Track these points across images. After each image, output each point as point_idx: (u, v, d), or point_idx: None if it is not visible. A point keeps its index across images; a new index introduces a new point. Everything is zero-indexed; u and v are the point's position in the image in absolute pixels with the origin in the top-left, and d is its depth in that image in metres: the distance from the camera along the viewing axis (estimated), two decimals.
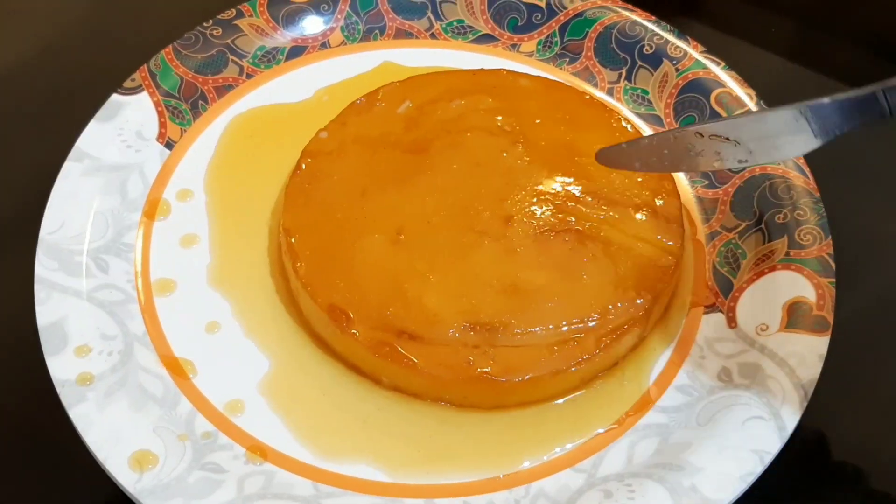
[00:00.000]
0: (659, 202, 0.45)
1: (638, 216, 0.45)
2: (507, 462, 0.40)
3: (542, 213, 0.45)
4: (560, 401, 0.42)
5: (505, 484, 0.40)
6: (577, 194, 0.45)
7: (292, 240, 0.44)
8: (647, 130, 0.52)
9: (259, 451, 0.40)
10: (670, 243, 0.44)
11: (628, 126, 0.49)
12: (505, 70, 0.52)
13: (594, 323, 0.42)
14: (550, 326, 0.41)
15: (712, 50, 0.53)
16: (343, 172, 0.46)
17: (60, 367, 0.40)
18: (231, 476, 0.38)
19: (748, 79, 0.51)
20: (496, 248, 0.43)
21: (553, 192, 0.45)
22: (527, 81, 0.51)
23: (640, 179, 0.46)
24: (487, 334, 0.41)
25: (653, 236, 0.44)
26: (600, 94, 0.53)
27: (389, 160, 0.47)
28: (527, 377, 0.40)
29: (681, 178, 0.50)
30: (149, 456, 0.38)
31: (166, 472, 0.38)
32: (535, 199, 0.45)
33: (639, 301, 0.42)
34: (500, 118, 0.49)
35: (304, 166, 0.46)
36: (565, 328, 0.41)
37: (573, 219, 0.44)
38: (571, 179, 0.46)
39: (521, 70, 0.53)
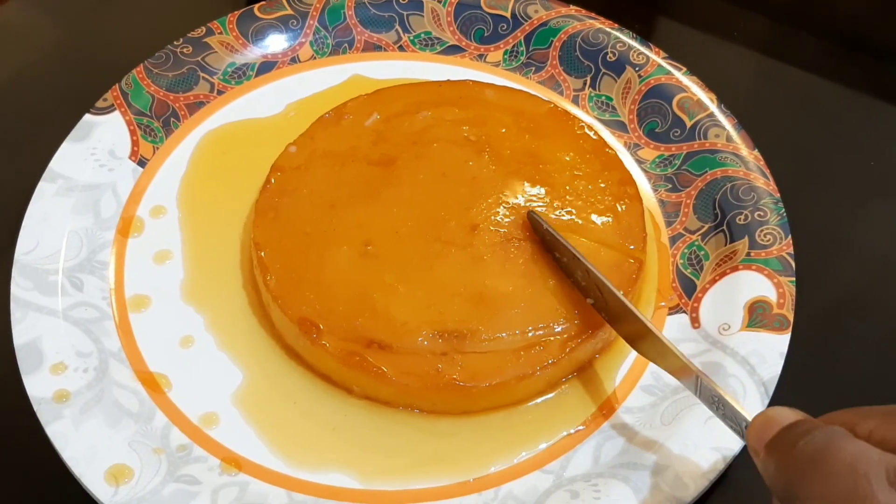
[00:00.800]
0: (621, 207, 0.47)
1: (601, 222, 0.46)
2: (477, 466, 0.41)
3: (507, 221, 0.46)
4: (528, 404, 0.43)
5: (475, 487, 0.40)
6: (541, 201, 0.46)
7: (262, 254, 0.44)
8: (610, 137, 0.53)
9: (233, 462, 0.41)
10: (633, 247, 0.45)
11: (591, 133, 0.50)
12: (471, 81, 0.53)
13: (560, 328, 0.42)
14: (517, 332, 0.42)
15: (685, 47, 0.53)
16: (312, 186, 0.47)
17: (37, 385, 0.41)
18: (205, 488, 0.39)
19: (722, 75, 0.51)
20: (462, 257, 0.44)
21: (517, 199, 0.46)
22: (492, 92, 0.52)
23: (602, 185, 0.47)
24: (455, 342, 0.42)
25: (616, 241, 0.45)
26: (565, 103, 0.54)
27: (357, 173, 0.48)
28: (494, 382, 0.41)
29: (644, 182, 0.51)
30: (125, 470, 0.39)
31: (142, 486, 0.38)
32: (500, 208, 0.46)
33: None
34: (465, 128, 0.49)
35: (273, 181, 0.47)
36: (531, 334, 0.42)
37: None
38: (536, 187, 0.47)
39: (488, 80, 0.54)
